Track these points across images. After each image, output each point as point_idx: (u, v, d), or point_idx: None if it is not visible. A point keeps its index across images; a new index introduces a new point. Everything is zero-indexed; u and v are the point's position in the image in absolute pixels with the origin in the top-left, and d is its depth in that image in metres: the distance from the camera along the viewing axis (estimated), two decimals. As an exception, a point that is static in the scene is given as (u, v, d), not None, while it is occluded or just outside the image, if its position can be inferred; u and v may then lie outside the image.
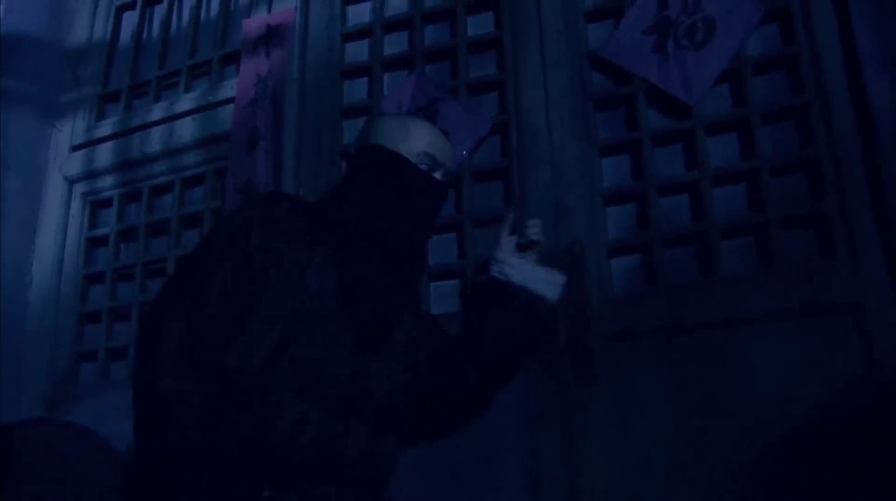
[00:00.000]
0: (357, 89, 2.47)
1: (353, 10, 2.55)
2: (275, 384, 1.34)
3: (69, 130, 2.92)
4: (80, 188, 2.84)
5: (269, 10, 2.66)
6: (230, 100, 2.59)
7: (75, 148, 2.88)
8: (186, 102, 2.70)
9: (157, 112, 2.74)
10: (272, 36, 2.58)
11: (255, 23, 2.63)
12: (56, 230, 2.79)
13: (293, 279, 1.42)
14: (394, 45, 2.46)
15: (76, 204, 2.83)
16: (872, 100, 1.78)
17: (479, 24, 2.35)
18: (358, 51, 2.51)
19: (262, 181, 2.41)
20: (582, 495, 1.81)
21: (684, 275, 1.92)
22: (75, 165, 2.84)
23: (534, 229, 1.72)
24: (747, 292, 1.81)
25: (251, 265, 1.40)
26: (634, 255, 2.00)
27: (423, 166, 1.57)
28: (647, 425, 1.81)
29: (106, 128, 2.84)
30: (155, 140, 2.70)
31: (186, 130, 2.66)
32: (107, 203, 2.81)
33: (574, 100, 2.11)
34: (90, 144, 2.85)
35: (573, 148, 2.07)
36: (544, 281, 1.66)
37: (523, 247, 1.72)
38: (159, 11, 2.97)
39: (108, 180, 2.79)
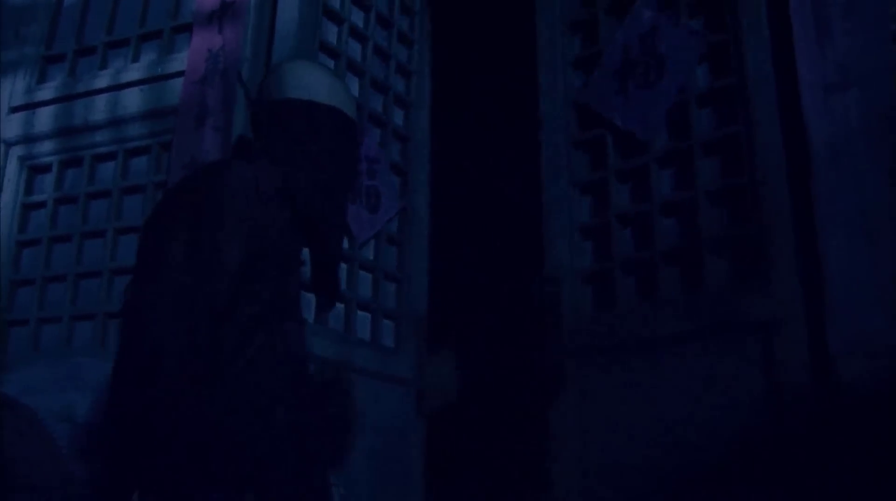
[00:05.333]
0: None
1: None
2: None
3: (8, 90, 2.82)
4: (17, 152, 2.76)
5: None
6: (180, 73, 2.54)
7: (14, 110, 2.79)
8: (134, 71, 2.64)
9: (103, 80, 2.68)
10: (226, 11, 2.54)
11: (209, -4, 2.59)
12: (-10, 194, 2.72)
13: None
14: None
15: (12, 168, 2.75)
16: (809, 125, 1.87)
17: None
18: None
19: (208, 159, 2.39)
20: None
21: (637, 297, 2.09)
22: (13, 127, 2.76)
23: None
24: (677, 312, 1.93)
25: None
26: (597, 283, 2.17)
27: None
28: (600, 429, 1.97)
29: (48, 91, 2.76)
30: (99, 108, 2.64)
31: (133, 100, 2.60)
32: (45, 169, 2.74)
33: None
34: (30, 106, 2.77)
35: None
36: None
37: None
38: (109, -28, 2.89)
39: (47, 146, 2.72)
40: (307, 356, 1.68)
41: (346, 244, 2.37)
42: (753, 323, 1.83)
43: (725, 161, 2.02)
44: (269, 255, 1.52)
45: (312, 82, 1.69)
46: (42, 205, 2.70)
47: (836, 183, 1.84)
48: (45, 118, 2.73)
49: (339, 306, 2.36)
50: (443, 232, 2.93)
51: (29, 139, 2.74)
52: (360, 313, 2.48)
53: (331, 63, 2.50)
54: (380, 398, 2.47)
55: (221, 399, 1.46)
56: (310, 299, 2.05)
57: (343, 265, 2.39)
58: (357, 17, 2.72)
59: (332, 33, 2.57)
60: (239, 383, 1.49)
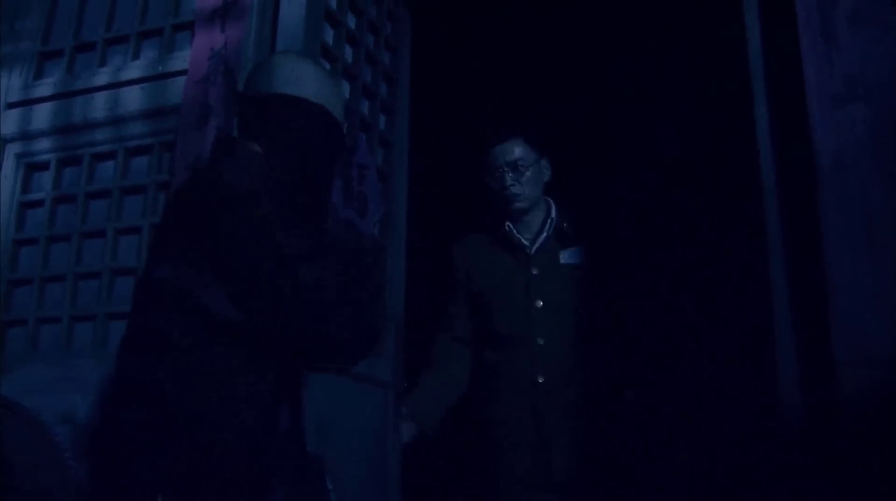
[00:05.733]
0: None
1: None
2: None
3: (4, 86, 2.78)
4: (13, 149, 2.72)
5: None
6: (181, 72, 2.51)
7: (10, 106, 2.75)
8: (134, 69, 2.61)
9: (103, 77, 2.63)
10: (228, 10, 2.51)
11: (211, -6, 2.56)
12: (-14, 192, 2.68)
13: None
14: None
15: (9, 165, 2.71)
16: (817, 137, 1.89)
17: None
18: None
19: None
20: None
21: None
22: (9, 123, 2.72)
23: None
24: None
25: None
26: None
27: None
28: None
29: (45, 88, 2.72)
30: (98, 106, 2.61)
31: (133, 98, 2.57)
32: (43, 167, 2.71)
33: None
34: (27, 103, 2.72)
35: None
36: None
37: None
38: (108, -33, 2.85)
39: (45, 143, 2.68)
40: None
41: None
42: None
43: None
44: None
45: (302, 77, 1.68)
46: (40, 203, 2.66)
47: (842, 194, 1.87)
48: (42, 115, 2.69)
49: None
50: (416, 236, 2.96)
51: (26, 136, 2.70)
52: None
53: (327, 65, 2.49)
54: (364, 401, 2.49)
55: (233, 402, 1.46)
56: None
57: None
58: (351, 21, 2.71)
59: (329, 36, 2.56)
60: (246, 386, 1.49)
